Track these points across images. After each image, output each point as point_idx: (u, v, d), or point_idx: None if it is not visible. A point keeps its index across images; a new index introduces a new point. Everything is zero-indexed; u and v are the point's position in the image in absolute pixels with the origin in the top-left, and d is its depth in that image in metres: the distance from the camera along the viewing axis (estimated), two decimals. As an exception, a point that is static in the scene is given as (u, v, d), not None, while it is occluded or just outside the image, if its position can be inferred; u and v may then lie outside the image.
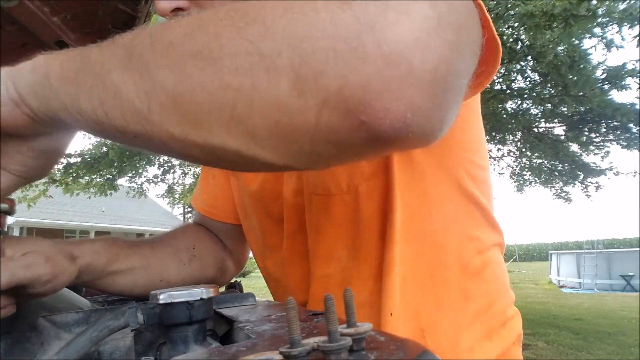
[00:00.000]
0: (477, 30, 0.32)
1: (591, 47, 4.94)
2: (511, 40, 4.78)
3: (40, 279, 0.44)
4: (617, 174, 6.53)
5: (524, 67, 5.57)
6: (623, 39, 4.80)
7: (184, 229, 0.79)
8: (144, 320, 0.37)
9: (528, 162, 7.50)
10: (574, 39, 4.40)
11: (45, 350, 0.46)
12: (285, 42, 0.26)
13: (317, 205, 0.60)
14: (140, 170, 7.28)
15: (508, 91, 5.73)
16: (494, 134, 6.24)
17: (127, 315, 0.38)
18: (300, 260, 0.66)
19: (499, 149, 7.41)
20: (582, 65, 4.82)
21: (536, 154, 7.03)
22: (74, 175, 6.41)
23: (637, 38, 4.10)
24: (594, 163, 6.61)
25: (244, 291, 0.60)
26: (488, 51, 0.43)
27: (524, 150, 7.10)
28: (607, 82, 4.97)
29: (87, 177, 6.70)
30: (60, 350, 0.39)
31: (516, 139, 6.91)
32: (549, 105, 5.70)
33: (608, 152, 6.42)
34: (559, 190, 7.52)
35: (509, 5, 4.14)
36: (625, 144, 5.93)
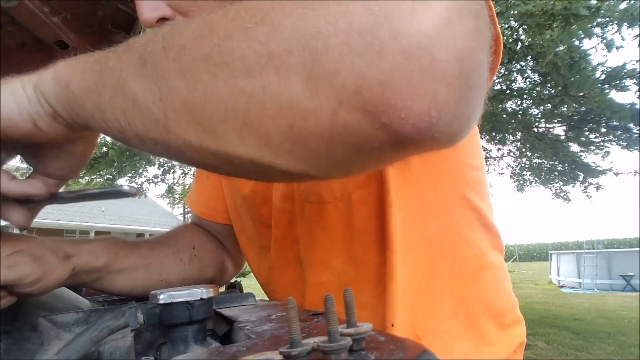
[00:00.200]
0: (489, 21, 0.31)
1: (591, 48, 4.93)
2: (511, 40, 4.78)
3: (25, 279, 0.45)
4: (617, 174, 6.53)
5: (524, 67, 5.57)
6: (623, 39, 4.80)
7: (184, 228, 0.79)
8: (144, 320, 0.37)
9: (528, 162, 7.50)
10: (573, 39, 4.40)
11: (45, 350, 0.46)
12: (295, 40, 0.24)
13: (310, 213, 0.59)
14: (140, 170, 7.28)
15: (508, 91, 5.73)
16: (493, 134, 6.24)
17: (127, 315, 0.38)
18: (288, 265, 0.65)
19: (498, 149, 7.41)
20: (582, 66, 4.82)
21: (536, 155, 7.03)
22: (74, 175, 6.40)
23: (638, 38, 4.10)
24: (594, 163, 6.61)
25: (244, 291, 0.60)
26: (494, 45, 0.43)
27: (524, 150, 7.10)
28: (606, 83, 4.97)
29: (87, 177, 6.70)
30: (60, 350, 0.39)
31: (516, 139, 6.91)
32: (549, 105, 5.70)
33: (608, 152, 6.42)
34: (558, 190, 7.53)
35: (510, 4, 4.14)
36: (625, 144, 5.93)
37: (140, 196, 8.03)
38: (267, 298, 0.73)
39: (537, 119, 6.26)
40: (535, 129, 6.53)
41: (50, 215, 12.71)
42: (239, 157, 0.28)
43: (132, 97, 0.30)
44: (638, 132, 5.56)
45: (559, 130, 6.62)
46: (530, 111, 6.06)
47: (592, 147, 6.45)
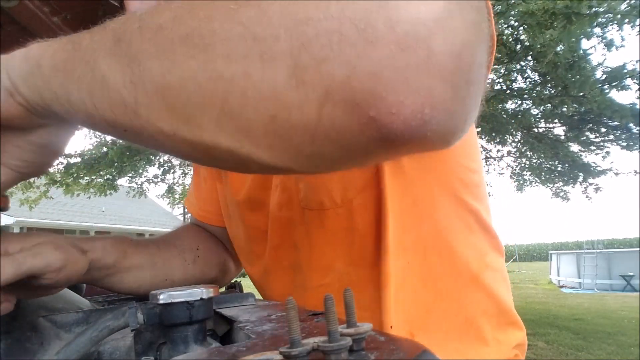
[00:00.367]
0: (488, 18, 0.29)
1: (591, 47, 4.94)
2: (511, 39, 4.78)
3: (51, 267, 0.44)
4: (617, 174, 6.54)
5: (524, 67, 5.57)
6: (623, 39, 4.80)
7: (187, 229, 0.79)
8: (144, 320, 0.37)
9: (528, 162, 7.50)
10: (574, 39, 4.40)
11: (45, 350, 0.46)
12: (282, 25, 0.23)
13: (310, 219, 0.59)
14: (140, 170, 7.28)
15: (508, 91, 5.73)
16: (493, 134, 6.24)
17: (127, 315, 0.38)
18: (283, 271, 0.65)
19: (498, 150, 7.42)
20: (582, 66, 4.82)
21: (536, 155, 7.03)
22: (74, 175, 6.41)
23: (638, 38, 4.10)
24: (594, 163, 6.61)
25: (244, 291, 0.60)
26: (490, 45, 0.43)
27: (524, 150, 7.11)
28: (607, 83, 4.97)
29: (87, 178, 6.70)
30: (60, 350, 0.39)
31: (516, 140, 6.91)
32: (549, 105, 5.70)
33: (608, 152, 6.42)
34: (557, 190, 7.53)
35: (511, 3, 4.14)
36: (625, 144, 5.93)
37: (140, 196, 8.03)
38: (266, 300, 0.73)
39: (537, 119, 6.27)
40: (535, 129, 6.54)
41: (50, 215, 12.71)
42: (215, 147, 0.27)
43: (100, 77, 0.28)
44: (638, 132, 5.56)
45: (559, 130, 6.63)
46: (530, 111, 6.07)
47: (592, 147, 6.45)
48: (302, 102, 0.23)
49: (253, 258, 0.71)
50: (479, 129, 5.74)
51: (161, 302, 0.36)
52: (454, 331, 0.56)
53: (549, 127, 6.65)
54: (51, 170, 6.27)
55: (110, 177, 6.89)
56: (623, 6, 3.97)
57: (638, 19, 3.92)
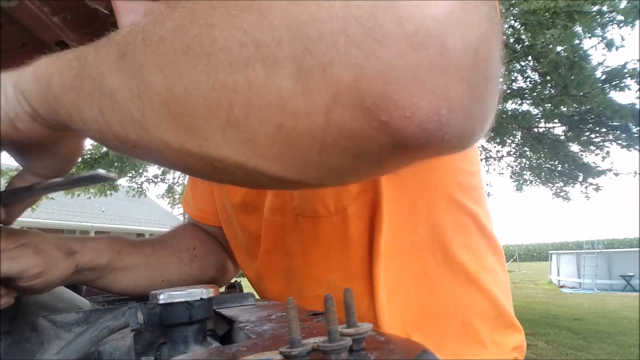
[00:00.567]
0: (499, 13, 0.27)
1: (591, 47, 4.94)
2: (512, 39, 4.78)
3: (28, 272, 0.44)
4: (617, 174, 6.54)
5: (524, 67, 5.57)
6: (623, 39, 4.80)
7: (184, 228, 0.79)
8: (144, 320, 0.37)
9: (528, 162, 7.50)
10: (574, 39, 4.40)
11: (45, 350, 0.46)
12: (284, 29, 0.21)
13: (304, 227, 0.58)
14: (140, 170, 7.28)
15: (508, 91, 5.73)
16: (493, 134, 6.24)
17: (127, 315, 0.38)
18: (276, 277, 0.65)
19: (498, 151, 7.42)
20: (582, 65, 4.82)
21: (536, 155, 7.04)
22: (74, 175, 6.41)
23: (638, 37, 4.10)
24: (594, 163, 6.61)
25: (244, 291, 0.60)
26: None
27: (524, 150, 7.11)
28: (607, 83, 4.97)
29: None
30: (60, 350, 0.39)
31: (516, 140, 6.91)
32: (549, 105, 5.70)
33: (608, 152, 6.42)
34: (558, 190, 7.53)
35: (512, 2, 4.14)
36: (625, 144, 5.93)
37: (140, 196, 8.03)
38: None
39: (537, 119, 6.27)
40: (536, 129, 6.54)
41: (50, 215, 12.71)
42: (222, 160, 0.26)
43: (109, 93, 0.27)
44: (638, 132, 5.56)
45: (559, 130, 6.63)
46: (530, 112, 6.07)
47: (592, 147, 6.45)
48: (308, 108, 0.22)
49: (249, 260, 0.71)
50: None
51: (161, 302, 0.36)
52: (451, 333, 0.56)
53: (548, 127, 6.65)
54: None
55: (111, 177, 6.89)
56: (623, 4, 3.97)
57: (638, 20, 3.92)
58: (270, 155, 0.24)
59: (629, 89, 4.95)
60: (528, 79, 5.81)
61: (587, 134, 6.24)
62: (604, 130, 6.05)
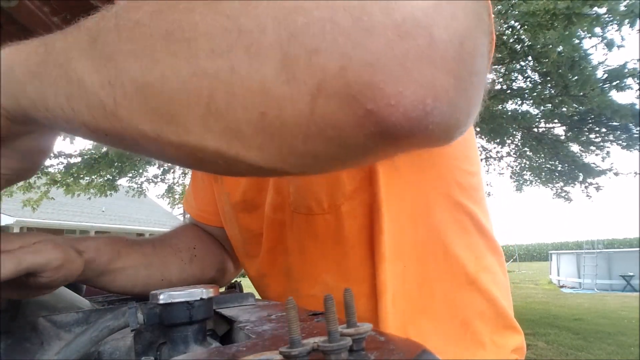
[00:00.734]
0: (488, 9, 0.27)
1: (592, 47, 4.94)
2: (512, 40, 4.78)
3: (51, 264, 0.44)
4: (617, 174, 6.54)
5: (524, 67, 5.57)
6: (623, 39, 4.80)
7: (185, 228, 0.79)
8: (144, 320, 0.37)
9: (528, 163, 7.51)
10: (574, 39, 4.41)
11: (45, 350, 0.46)
12: (270, 15, 0.21)
13: (300, 224, 0.58)
14: (140, 170, 7.28)
15: (508, 91, 5.73)
16: (492, 134, 6.25)
17: (127, 315, 0.38)
18: (278, 275, 0.65)
19: (497, 152, 7.42)
20: (582, 65, 4.83)
21: (536, 155, 7.04)
22: (75, 175, 6.42)
23: (638, 37, 4.10)
24: (594, 163, 6.62)
25: (244, 291, 0.60)
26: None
27: (524, 150, 7.11)
28: (607, 82, 4.98)
29: (87, 178, 6.71)
30: (60, 350, 0.39)
31: (516, 140, 6.92)
32: (549, 105, 5.70)
33: (608, 152, 6.43)
34: (559, 190, 7.54)
35: (512, 3, 4.14)
36: (625, 144, 5.94)
37: (140, 196, 8.03)
38: (265, 299, 0.73)
39: (537, 119, 6.27)
40: (536, 129, 6.54)
41: (50, 215, 12.71)
42: (202, 149, 0.25)
43: (77, 79, 0.26)
44: (638, 132, 5.56)
45: (559, 130, 6.63)
46: (531, 112, 6.07)
47: (592, 148, 6.46)
48: (293, 96, 0.22)
49: (249, 260, 0.71)
50: (479, 129, 5.74)
51: (161, 302, 0.36)
52: (451, 334, 0.56)
53: (548, 127, 6.65)
54: (52, 170, 6.28)
55: (110, 177, 6.89)
56: (622, 7, 3.97)
57: (638, 20, 3.93)
58: (253, 144, 0.24)
59: (630, 88, 4.95)
60: (528, 79, 5.81)
61: (587, 134, 6.24)
62: (604, 130, 6.05)
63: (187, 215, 0.84)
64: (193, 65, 0.23)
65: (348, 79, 0.21)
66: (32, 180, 5.82)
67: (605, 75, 4.95)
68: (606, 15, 4.11)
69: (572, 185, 7.24)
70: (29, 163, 0.37)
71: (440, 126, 0.23)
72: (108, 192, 7.04)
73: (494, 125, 5.71)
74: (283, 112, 0.22)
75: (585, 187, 6.94)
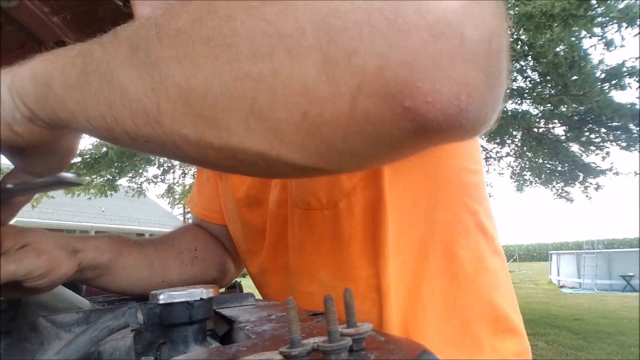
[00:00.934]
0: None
1: (591, 47, 4.94)
2: (511, 40, 4.78)
3: (32, 274, 0.45)
4: (617, 174, 6.54)
5: (524, 67, 5.57)
6: (623, 39, 4.81)
7: (186, 229, 0.79)
8: (144, 320, 0.37)
9: (528, 163, 7.50)
10: (574, 39, 4.41)
11: (45, 350, 0.46)
12: (309, 19, 0.22)
13: (299, 218, 0.59)
14: (140, 170, 7.28)
15: (508, 91, 5.72)
16: (492, 134, 6.25)
17: (127, 315, 0.38)
18: (280, 271, 0.65)
19: (497, 152, 7.42)
20: (582, 65, 4.83)
21: (537, 155, 7.04)
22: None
23: (638, 37, 4.11)
24: (594, 163, 6.62)
25: (244, 291, 0.60)
26: None
27: (524, 150, 7.11)
28: (606, 81, 4.98)
29: (87, 178, 6.71)
30: (60, 350, 0.39)
31: (516, 140, 6.92)
32: (549, 105, 5.70)
33: (608, 152, 6.43)
34: (560, 191, 7.54)
35: (509, 4, 4.14)
36: (625, 144, 5.94)
37: (140, 196, 8.03)
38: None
39: (537, 119, 6.27)
40: (536, 129, 6.54)
41: (50, 215, 12.71)
42: (244, 150, 0.26)
43: (119, 88, 0.27)
44: (638, 132, 5.56)
45: (559, 130, 6.63)
46: (531, 112, 6.07)
47: (592, 148, 6.46)
48: (334, 96, 0.23)
49: (251, 256, 0.71)
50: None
51: (161, 302, 0.36)
52: (450, 334, 0.55)
53: (549, 127, 6.65)
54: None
55: (111, 177, 6.89)
56: (621, 5, 3.97)
57: (638, 20, 3.93)
58: (294, 143, 0.25)
59: (630, 87, 4.95)
60: (528, 79, 5.81)
61: (587, 134, 6.24)
62: (604, 130, 6.05)
63: (188, 216, 0.85)
64: (235, 69, 0.24)
65: (387, 78, 0.22)
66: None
67: (604, 74, 4.95)
68: (601, 18, 4.12)
69: (572, 185, 7.24)
70: (60, 162, 0.39)
71: (472, 121, 0.24)
72: (108, 192, 7.04)
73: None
74: (324, 112, 0.23)
75: (585, 187, 6.94)
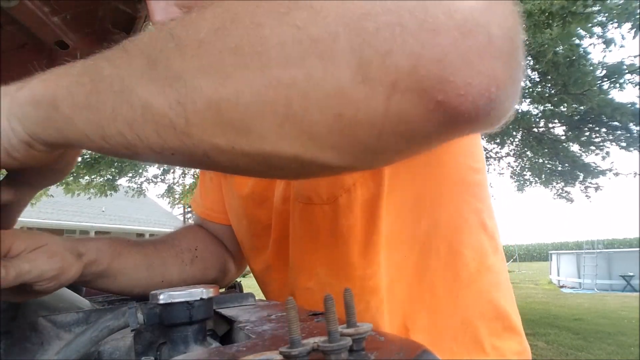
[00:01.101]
0: None
1: (590, 45, 4.94)
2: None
3: (44, 275, 0.45)
4: (617, 174, 6.54)
5: (524, 67, 5.57)
6: (623, 38, 4.80)
7: (186, 229, 0.79)
8: (144, 320, 0.37)
9: (528, 163, 7.50)
10: (574, 39, 4.41)
11: (45, 350, 0.46)
12: (340, 23, 0.23)
13: (300, 213, 0.59)
14: (140, 170, 7.28)
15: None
16: (492, 134, 6.25)
17: (127, 315, 0.38)
18: (283, 267, 0.65)
19: (497, 152, 7.42)
20: (581, 63, 4.82)
21: (537, 155, 7.04)
22: (74, 175, 6.42)
23: (638, 35, 4.10)
24: (594, 163, 6.62)
25: (244, 291, 0.60)
26: None
27: (524, 150, 7.11)
28: (606, 79, 4.97)
29: (87, 177, 6.71)
30: (60, 350, 0.39)
31: (516, 140, 6.91)
32: (549, 104, 5.70)
33: (608, 152, 6.43)
34: (560, 191, 7.54)
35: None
36: (625, 144, 5.93)
37: (140, 196, 8.03)
38: (266, 299, 0.73)
39: (537, 119, 6.27)
40: (536, 129, 6.54)
41: (50, 215, 12.71)
42: (277, 155, 0.26)
43: (140, 105, 0.27)
44: (638, 132, 5.56)
45: (559, 130, 6.63)
46: (530, 112, 6.06)
47: (592, 148, 6.45)
48: (368, 96, 0.23)
49: (255, 254, 0.71)
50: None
51: (161, 302, 0.36)
52: (450, 331, 0.56)
53: (549, 127, 6.65)
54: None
55: (110, 177, 6.89)
56: (620, 1, 3.97)
57: (638, 15, 3.92)
58: (328, 145, 0.26)
59: (631, 83, 4.95)
60: (527, 78, 5.81)
61: (587, 134, 6.24)
62: (604, 130, 6.05)
63: (188, 216, 0.85)
64: (267, 76, 0.24)
65: (420, 75, 0.23)
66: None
67: (604, 70, 4.95)
68: (600, 15, 4.12)
69: (572, 185, 7.24)
70: (57, 177, 0.40)
71: (499, 112, 0.25)
72: (108, 192, 7.04)
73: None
74: (359, 112, 0.24)
75: (585, 188, 6.94)
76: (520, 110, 6.06)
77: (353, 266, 0.55)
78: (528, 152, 7.15)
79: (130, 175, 7.26)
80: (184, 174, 8.06)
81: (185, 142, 0.27)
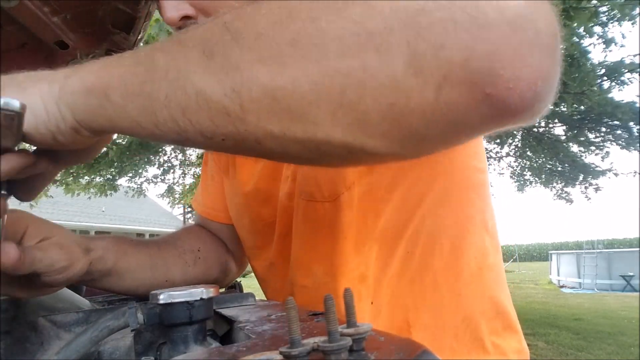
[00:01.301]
0: None
1: (590, 44, 4.93)
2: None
3: (54, 266, 0.45)
4: (617, 174, 6.54)
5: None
6: (624, 37, 4.80)
7: (189, 230, 0.79)
8: (144, 320, 0.37)
9: (528, 163, 7.51)
10: (574, 38, 4.41)
11: (45, 350, 0.46)
12: (396, 18, 0.24)
13: (303, 210, 0.60)
14: (140, 170, 7.28)
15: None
16: (492, 134, 6.24)
17: (127, 315, 0.38)
18: (285, 264, 0.65)
19: (497, 152, 7.42)
20: (581, 62, 4.82)
21: (537, 155, 7.04)
22: (74, 175, 6.42)
23: (638, 34, 4.10)
24: (593, 163, 6.62)
25: (244, 291, 0.60)
26: None
27: (524, 150, 7.11)
28: (606, 78, 4.97)
29: (87, 177, 6.71)
30: (60, 350, 0.39)
31: (516, 140, 6.91)
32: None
33: (608, 152, 6.43)
34: (560, 191, 7.54)
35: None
36: (625, 144, 5.94)
37: (139, 196, 8.03)
38: (266, 298, 0.73)
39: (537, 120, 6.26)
40: (536, 129, 6.54)
41: (50, 215, 12.70)
42: (328, 142, 0.28)
43: (195, 92, 0.28)
44: (638, 132, 5.56)
45: (559, 130, 6.63)
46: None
47: (592, 148, 6.46)
48: (420, 87, 0.25)
49: (257, 251, 0.72)
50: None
51: (161, 302, 0.36)
52: (451, 328, 0.56)
53: (549, 128, 6.65)
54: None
55: (110, 177, 6.89)
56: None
57: (638, 9, 3.92)
58: (378, 132, 0.27)
59: (631, 81, 4.95)
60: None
61: (587, 134, 6.24)
62: (604, 130, 6.05)
63: (188, 216, 0.85)
64: (324, 67, 0.26)
65: (471, 68, 0.24)
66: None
67: (604, 69, 4.94)
68: (605, 10, 4.12)
69: (572, 185, 7.24)
70: (90, 154, 0.41)
71: (542, 104, 0.26)
72: (108, 192, 7.04)
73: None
74: (410, 101, 0.25)
75: (585, 188, 6.94)
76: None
77: (350, 265, 0.56)
78: (528, 152, 7.15)
79: (130, 175, 7.26)
80: (183, 174, 8.06)
81: (239, 128, 0.28)
